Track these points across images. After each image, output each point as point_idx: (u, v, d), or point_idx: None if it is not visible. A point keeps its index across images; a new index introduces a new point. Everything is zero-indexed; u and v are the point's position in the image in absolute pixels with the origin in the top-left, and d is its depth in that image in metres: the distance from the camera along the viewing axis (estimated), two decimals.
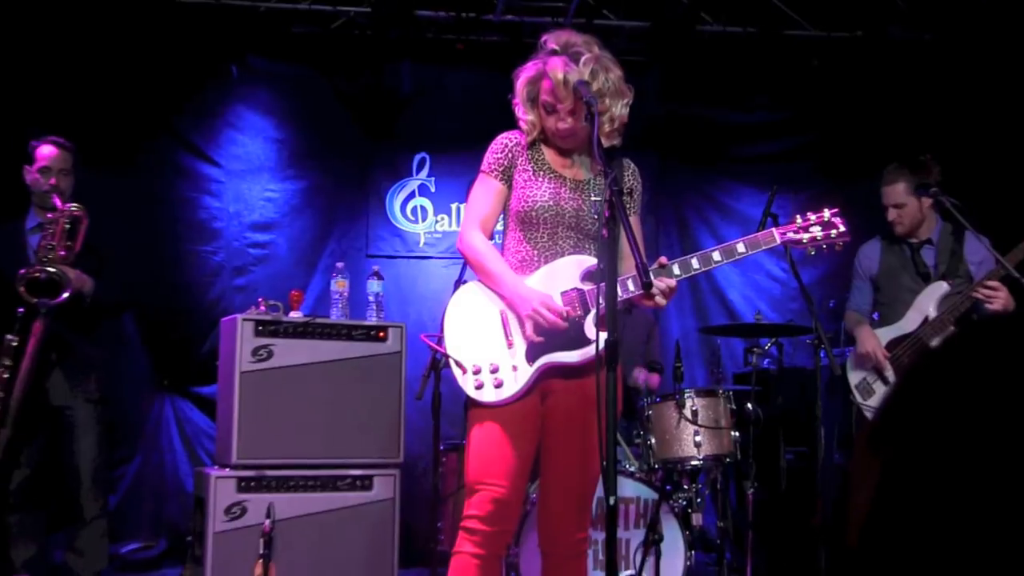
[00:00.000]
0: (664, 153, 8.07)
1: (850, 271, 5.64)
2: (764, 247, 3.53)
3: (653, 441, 5.15)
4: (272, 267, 7.43)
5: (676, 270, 3.48)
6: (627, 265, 3.47)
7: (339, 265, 5.88)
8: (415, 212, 7.74)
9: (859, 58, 7.79)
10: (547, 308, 3.43)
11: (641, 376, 6.23)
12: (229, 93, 7.49)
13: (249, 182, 7.44)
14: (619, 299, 3.41)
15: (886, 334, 5.26)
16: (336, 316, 5.64)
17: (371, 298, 5.78)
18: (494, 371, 3.50)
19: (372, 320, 5.65)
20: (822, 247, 3.60)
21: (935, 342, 5.08)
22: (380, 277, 5.86)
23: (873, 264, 5.48)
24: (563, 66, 3.49)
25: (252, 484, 5.11)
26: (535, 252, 3.61)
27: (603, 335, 3.02)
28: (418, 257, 7.72)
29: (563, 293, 3.52)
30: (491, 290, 3.60)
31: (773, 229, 3.55)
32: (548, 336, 3.48)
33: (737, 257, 3.51)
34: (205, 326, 7.03)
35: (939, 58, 7.59)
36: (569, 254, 3.60)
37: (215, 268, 7.30)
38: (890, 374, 5.18)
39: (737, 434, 5.18)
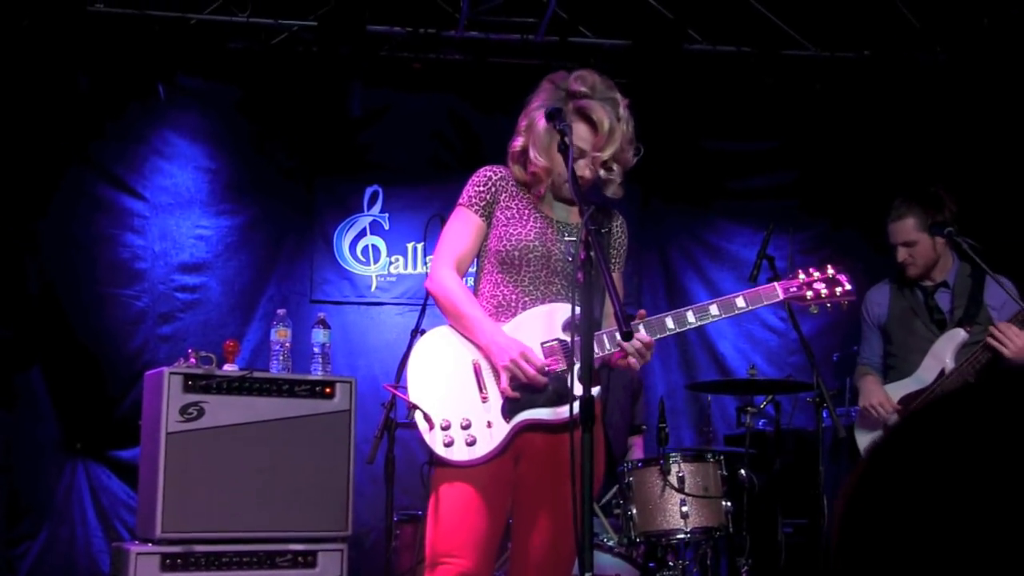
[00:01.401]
0: (647, 188, 8.17)
1: (856, 321, 5.70)
2: (766, 303, 3.71)
3: (634, 511, 5.19)
4: (203, 314, 7.45)
5: (670, 323, 3.59)
6: (608, 319, 3.62)
7: (280, 312, 5.94)
8: (366, 252, 7.80)
9: (866, 81, 7.94)
10: (527, 361, 3.49)
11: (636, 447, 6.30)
12: (155, 116, 7.53)
13: (177, 217, 7.48)
14: (596, 356, 3.50)
15: (899, 389, 5.28)
16: (276, 369, 5.69)
17: (316, 349, 5.83)
18: (466, 427, 3.54)
19: (317, 374, 5.70)
20: (826, 305, 3.78)
21: None
22: (326, 326, 5.92)
23: (882, 311, 5.52)
24: (606, 113, 3.62)
25: (179, 562, 5.12)
26: (515, 297, 3.69)
27: (579, 390, 3.11)
28: (370, 303, 7.77)
29: (544, 344, 3.60)
30: (463, 336, 3.66)
31: (776, 284, 3.74)
32: (527, 390, 3.55)
33: (736, 312, 3.66)
34: (126, 381, 7.02)
35: (955, 81, 7.74)
36: (551, 301, 3.68)
37: (138, 314, 7.31)
38: None
39: (729, 504, 5.23)
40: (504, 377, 3.54)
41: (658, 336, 3.58)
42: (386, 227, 7.84)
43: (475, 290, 3.81)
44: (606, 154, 3.65)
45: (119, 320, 7.26)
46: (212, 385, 5.34)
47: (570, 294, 3.66)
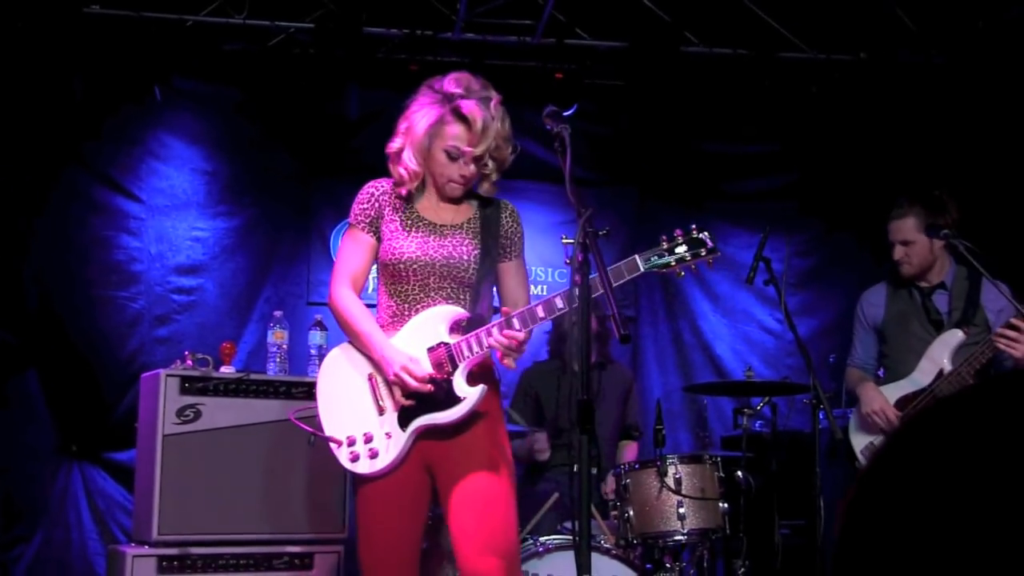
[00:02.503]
0: (644, 189, 8.20)
1: (852, 323, 5.71)
2: (628, 276, 3.70)
3: (631, 513, 5.20)
4: (200, 316, 7.44)
5: (540, 312, 3.68)
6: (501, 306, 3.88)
7: (277, 314, 5.95)
8: None
9: (862, 84, 7.96)
10: (409, 372, 3.66)
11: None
12: (151, 118, 7.51)
13: (174, 219, 7.47)
14: (473, 356, 3.70)
15: (895, 390, 5.30)
16: (273, 371, 5.70)
17: (313, 351, 5.84)
18: (368, 441, 3.73)
19: (314, 376, 5.69)
20: (691, 267, 3.79)
21: None
22: (323, 327, 5.92)
23: (878, 312, 5.53)
24: (480, 111, 3.75)
25: (175, 564, 5.13)
26: (406, 306, 3.85)
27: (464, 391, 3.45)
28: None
29: (429, 349, 3.76)
30: (359, 352, 3.86)
31: (636, 256, 3.72)
32: (418, 398, 3.71)
33: (599, 292, 3.47)
34: (122, 383, 7.00)
35: (951, 84, 7.76)
36: (440, 305, 3.83)
37: (134, 317, 7.30)
38: None
39: (726, 505, 5.24)
40: (396, 389, 3.72)
41: (530, 327, 3.68)
42: None
43: (376, 303, 3.97)
44: (479, 150, 3.78)
45: (115, 322, 7.24)
46: (209, 387, 5.35)
47: (458, 296, 3.85)
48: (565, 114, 3.75)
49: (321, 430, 3.80)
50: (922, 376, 5.26)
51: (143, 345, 7.28)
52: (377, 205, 3.93)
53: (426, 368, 3.70)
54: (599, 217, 3.62)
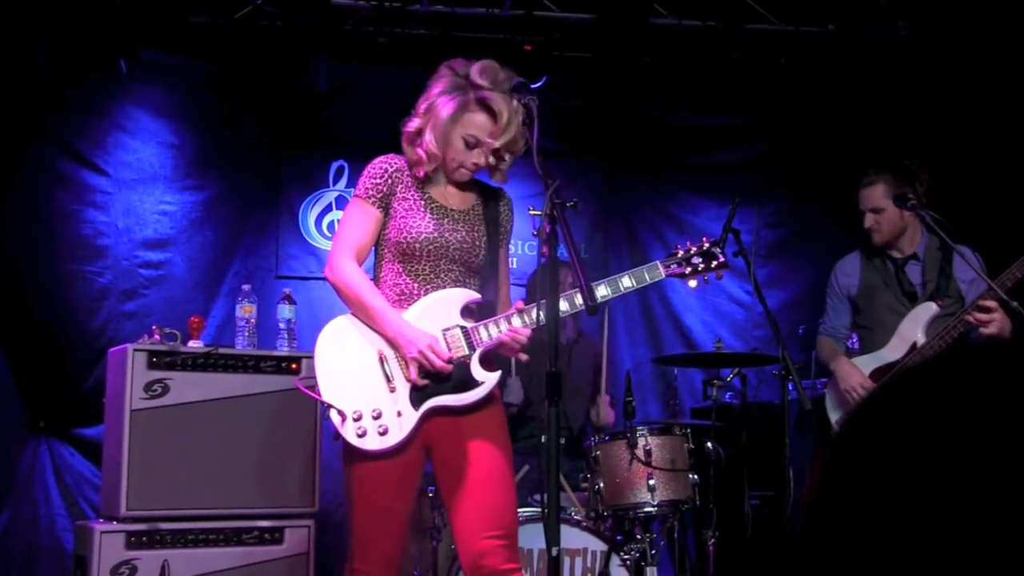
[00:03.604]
0: (613, 162, 8.19)
1: (822, 295, 5.71)
2: (650, 281, 3.98)
3: (602, 485, 5.20)
4: (168, 290, 7.37)
5: (564, 306, 3.76)
6: (504, 295, 4.05)
7: (245, 288, 5.90)
8: (332, 227, 7.76)
9: (830, 56, 7.96)
10: (434, 352, 3.68)
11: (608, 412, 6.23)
12: (117, 90, 7.41)
13: (141, 193, 7.39)
14: (491, 341, 3.79)
15: (868, 363, 5.30)
16: (242, 346, 5.66)
17: (282, 325, 5.80)
18: (377, 417, 3.70)
19: (283, 350, 5.67)
20: (704, 279, 4.05)
21: None
22: (292, 301, 5.89)
23: (852, 281, 5.54)
24: (506, 105, 3.80)
25: (144, 539, 5.10)
26: (416, 286, 3.87)
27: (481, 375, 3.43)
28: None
29: (445, 331, 3.79)
30: (366, 326, 3.82)
31: (658, 262, 4.02)
32: (433, 379, 3.74)
33: (623, 292, 3.91)
34: (89, 358, 6.94)
35: (918, 56, 7.77)
36: (449, 287, 3.87)
37: (101, 291, 7.23)
38: None
39: (696, 477, 5.24)
40: (413, 368, 3.72)
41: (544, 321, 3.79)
42: None
43: (374, 278, 3.96)
44: (500, 142, 3.83)
45: (82, 297, 7.17)
46: (177, 362, 5.31)
47: (466, 281, 3.92)
48: (533, 86, 3.79)
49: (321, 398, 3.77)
50: (893, 352, 5.27)
51: (110, 320, 7.21)
52: (390, 181, 3.92)
53: (447, 352, 3.73)
54: (567, 189, 3.63)
